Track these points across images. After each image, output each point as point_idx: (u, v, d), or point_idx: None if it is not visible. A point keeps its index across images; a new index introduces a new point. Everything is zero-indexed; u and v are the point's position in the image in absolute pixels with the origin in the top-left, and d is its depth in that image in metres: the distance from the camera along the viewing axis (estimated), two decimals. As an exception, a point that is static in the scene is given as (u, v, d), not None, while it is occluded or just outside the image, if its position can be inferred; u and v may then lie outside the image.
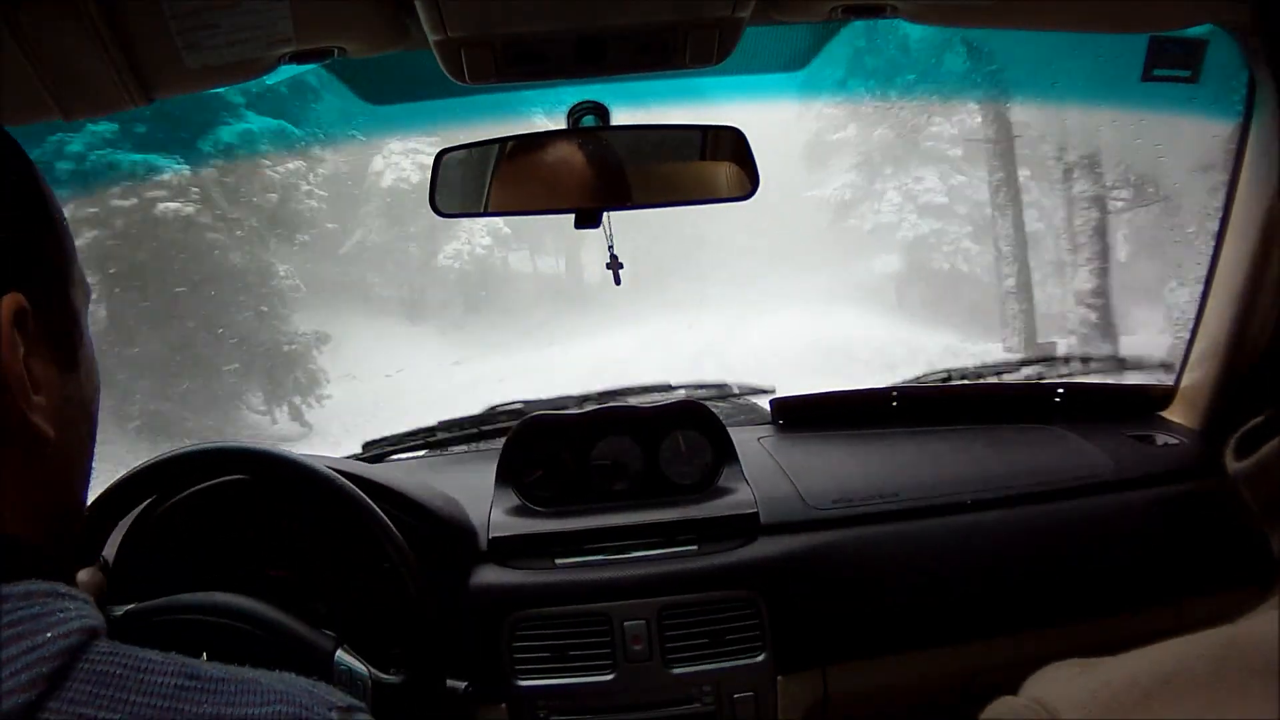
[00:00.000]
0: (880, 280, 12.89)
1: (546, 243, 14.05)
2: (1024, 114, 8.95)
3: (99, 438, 0.53)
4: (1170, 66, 1.07)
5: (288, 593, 1.00)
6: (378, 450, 1.42)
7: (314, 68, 0.98)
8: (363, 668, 0.90)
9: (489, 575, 1.13)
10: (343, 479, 0.96)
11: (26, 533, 0.44)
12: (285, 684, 0.43)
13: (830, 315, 11.88)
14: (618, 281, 1.13)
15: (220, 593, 0.91)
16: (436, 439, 1.45)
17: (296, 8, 0.85)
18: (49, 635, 0.38)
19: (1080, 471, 1.21)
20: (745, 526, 1.15)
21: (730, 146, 1.06)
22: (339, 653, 0.90)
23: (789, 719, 1.11)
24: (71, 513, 0.50)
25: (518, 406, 1.47)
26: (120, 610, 0.90)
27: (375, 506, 0.95)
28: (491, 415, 1.46)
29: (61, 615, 0.39)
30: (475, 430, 1.44)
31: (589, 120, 1.03)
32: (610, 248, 1.11)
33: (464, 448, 1.47)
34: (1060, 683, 0.38)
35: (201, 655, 0.83)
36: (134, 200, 8.02)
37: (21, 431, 0.43)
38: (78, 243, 0.52)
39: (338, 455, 1.28)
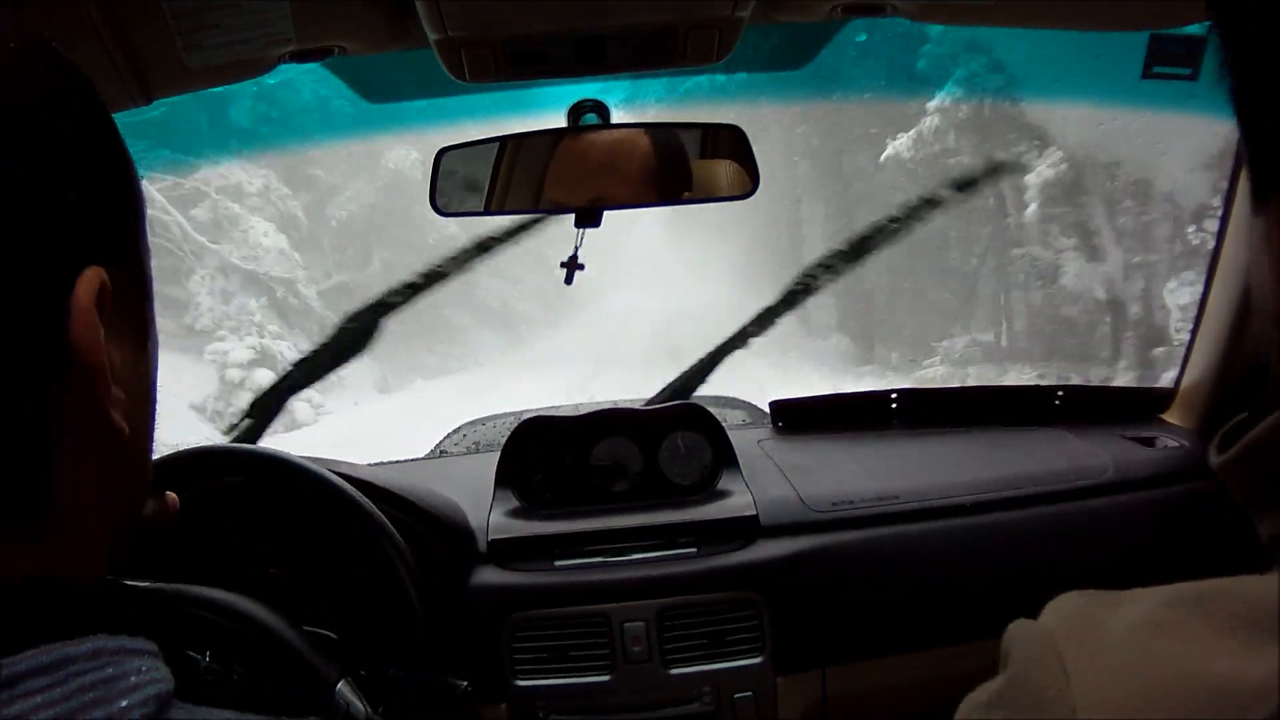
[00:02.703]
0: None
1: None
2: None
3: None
4: (1170, 64, 1.07)
5: (287, 592, 1.00)
6: None
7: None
8: (361, 706, 0.86)
9: (489, 576, 1.12)
10: (341, 481, 0.96)
11: (86, 567, 0.38)
12: None
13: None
14: (569, 280, 1.12)
15: (235, 595, 0.88)
16: None
17: (296, 7, 0.84)
18: (124, 704, 0.33)
19: (1080, 474, 1.21)
20: (745, 528, 1.15)
21: (730, 145, 1.06)
22: (340, 685, 0.86)
23: (788, 719, 1.11)
24: (132, 524, 0.44)
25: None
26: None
27: (374, 508, 0.95)
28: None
29: (135, 680, 0.34)
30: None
31: (590, 118, 1.03)
32: (576, 248, 1.10)
33: (464, 450, 1.46)
34: (1070, 617, 0.38)
35: (204, 654, 0.82)
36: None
37: (102, 435, 0.37)
38: None
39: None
